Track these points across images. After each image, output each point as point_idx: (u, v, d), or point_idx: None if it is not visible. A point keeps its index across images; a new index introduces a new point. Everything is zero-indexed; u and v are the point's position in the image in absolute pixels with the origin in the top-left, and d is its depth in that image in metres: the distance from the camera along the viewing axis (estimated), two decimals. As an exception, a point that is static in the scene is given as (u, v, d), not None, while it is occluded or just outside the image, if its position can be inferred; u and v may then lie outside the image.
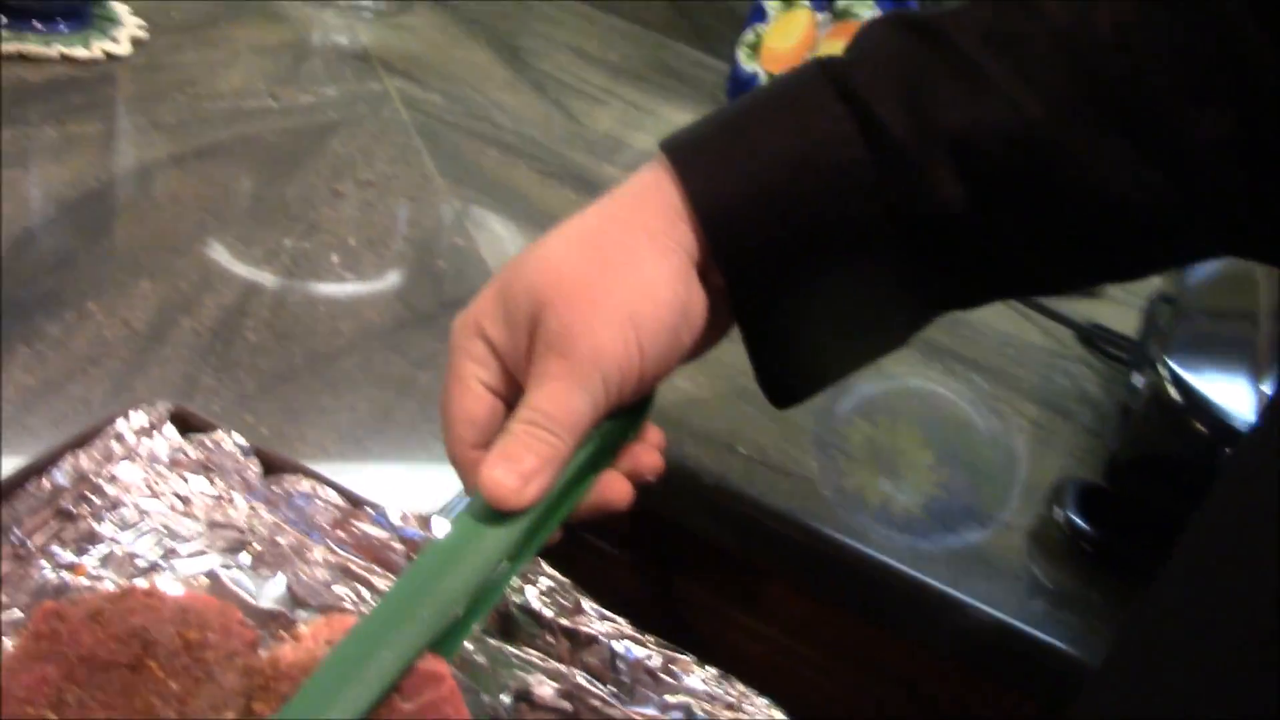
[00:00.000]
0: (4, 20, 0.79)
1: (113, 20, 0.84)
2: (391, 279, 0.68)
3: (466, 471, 0.44)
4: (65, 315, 0.57)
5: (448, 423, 0.45)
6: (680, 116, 1.03)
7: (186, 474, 0.46)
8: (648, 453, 0.46)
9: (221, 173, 0.72)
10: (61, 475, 0.44)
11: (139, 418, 0.47)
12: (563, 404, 0.42)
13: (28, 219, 0.62)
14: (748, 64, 1.03)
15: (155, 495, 0.45)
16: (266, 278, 0.64)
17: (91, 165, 0.69)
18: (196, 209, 0.68)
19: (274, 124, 0.80)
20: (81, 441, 0.45)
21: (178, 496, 0.45)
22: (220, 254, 0.65)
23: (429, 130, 0.86)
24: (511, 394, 0.45)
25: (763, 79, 1.02)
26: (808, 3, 0.98)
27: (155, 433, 0.47)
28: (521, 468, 0.41)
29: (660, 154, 0.46)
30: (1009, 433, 0.75)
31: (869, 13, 0.95)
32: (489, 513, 0.41)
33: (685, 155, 0.45)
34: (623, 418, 0.45)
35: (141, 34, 0.84)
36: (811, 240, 0.44)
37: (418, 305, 0.66)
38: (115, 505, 0.44)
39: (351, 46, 0.96)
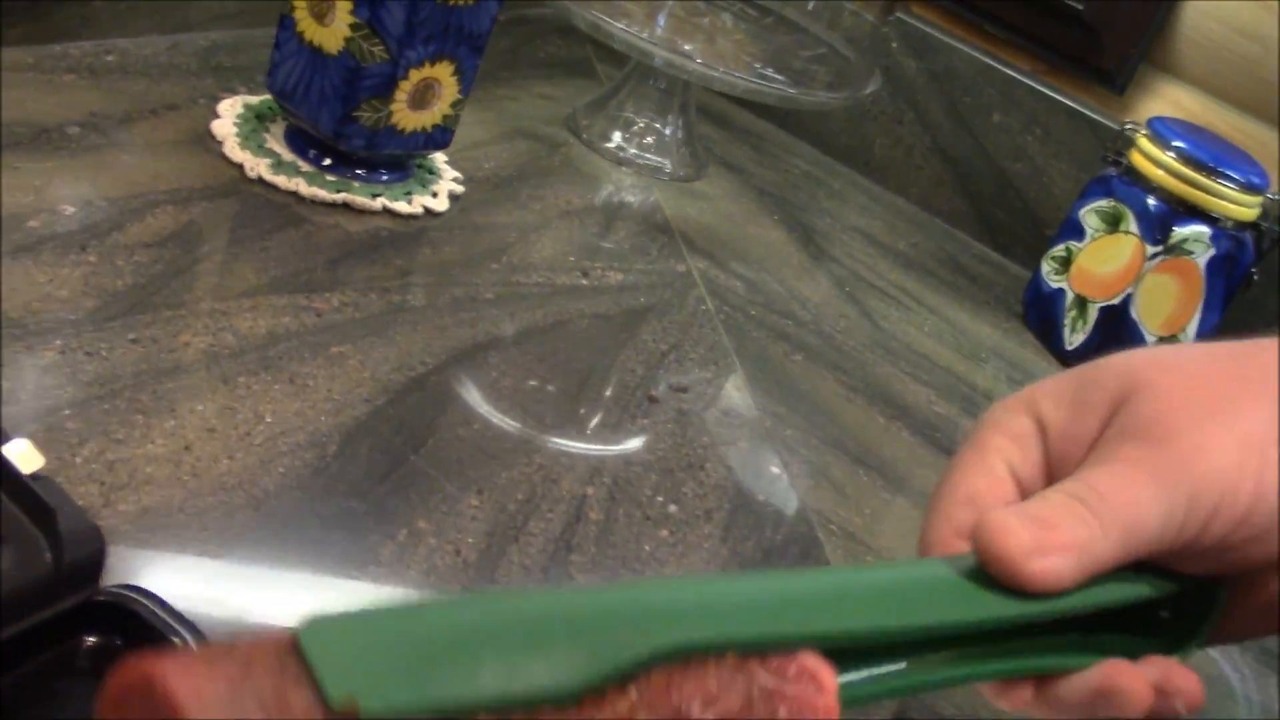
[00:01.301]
0: (328, 163, 0.77)
1: (433, 172, 0.82)
2: (714, 514, 0.63)
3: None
4: (398, 535, 0.53)
5: (941, 494, 0.37)
6: (976, 326, 0.97)
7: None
8: (1187, 675, 0.35)
9: (539, 364, 0.69)
10: None
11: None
12: (1124, 491, 0.32)
13: (358, 407, 0.59)
14: (1053, 279, 0.97)
15: None
16: (590, 501, 0.60)
17: (415, 345, 0.66)
18: (517, 407, 0.64)
19: (586, 305, 0.76)
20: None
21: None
22: (544, 467, 0.61)
23: (734, 325, 0.81)
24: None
25: (1070, 298, 0.95)
26: (1135, 230, 0.91)
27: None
28: (1044, 533, 0.32)
29: None
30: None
31: (1203, 253, 0.89)
32: (965, 573, 0.32)
33: None
34: (1176, 595, 0.35)
35: (458, 188, 0.82)
36: None
37: (742, 550, 0.61)
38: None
39: (652, 214, 0.93)
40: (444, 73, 0.75)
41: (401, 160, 0.79)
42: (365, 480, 0.55)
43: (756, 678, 0.28)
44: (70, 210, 0.64)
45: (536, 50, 1.15)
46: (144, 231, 0.65)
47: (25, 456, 0.41)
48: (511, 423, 0.63)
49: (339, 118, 0.74)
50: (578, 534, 0.57)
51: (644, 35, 0.89)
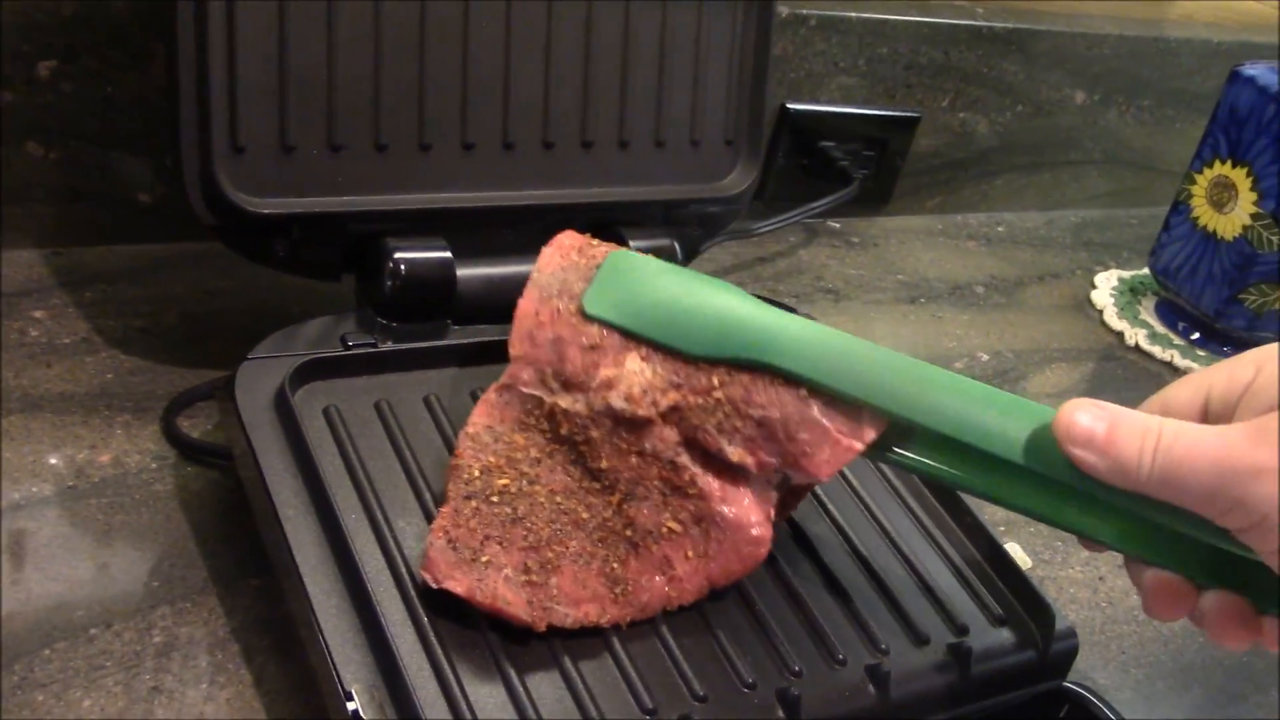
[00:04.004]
0: (1197, 337, 0.82)
1: (1301, 358, 0.84)
2: None
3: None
4: (1301, 699, 0.55)
5: (1151, 398, 0.39)
6: None
7: None
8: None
9: None
10: None
11: None
12: (1195, 449, 0.34)
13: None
14: None
15: None
16: None
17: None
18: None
19: None
20: None
21: None
22: None
23: None
24: None
25: None
26: None
27: None
28: (1100, 435, 0.35)
29: None
30: None
31: None
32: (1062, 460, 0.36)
33: None
34: None
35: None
36: None
37: None
38: None
39: None
40: (1337, 264, 0.77)
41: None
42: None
43: (811, 409, 0.39)
44: (985, 358, 0.75)
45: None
46: (1044, 383, 0.74)
47: (1018, 556, 0.50)
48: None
49: (1223, 299, 0.78)
50: None
51: None
